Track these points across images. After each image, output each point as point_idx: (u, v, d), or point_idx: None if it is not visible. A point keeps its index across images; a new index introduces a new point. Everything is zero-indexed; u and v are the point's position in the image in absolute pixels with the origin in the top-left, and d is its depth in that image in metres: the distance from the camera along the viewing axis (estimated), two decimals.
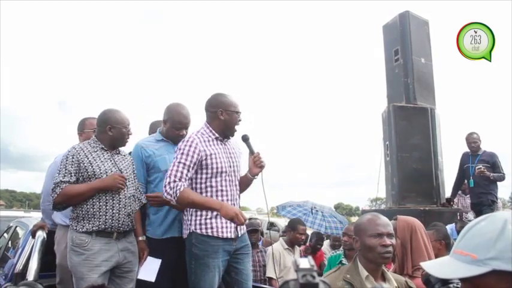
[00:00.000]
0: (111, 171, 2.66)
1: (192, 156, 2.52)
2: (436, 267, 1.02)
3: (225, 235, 2.55)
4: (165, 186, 2.48)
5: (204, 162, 2.56)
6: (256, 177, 2.64)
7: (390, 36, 6.53)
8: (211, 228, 2.54)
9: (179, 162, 2.51)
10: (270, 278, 4.22)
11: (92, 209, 2.57)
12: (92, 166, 2.61)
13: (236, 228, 2.60)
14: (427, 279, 1.27)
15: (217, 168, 2.58)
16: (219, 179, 2.59)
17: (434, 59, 6.49)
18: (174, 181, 2.46)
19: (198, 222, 2.56)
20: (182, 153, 2.53)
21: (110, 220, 2.60)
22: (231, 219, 2.41)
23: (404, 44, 6.24)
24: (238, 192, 2.72)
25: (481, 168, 5.53)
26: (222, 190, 2.60)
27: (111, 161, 2.71)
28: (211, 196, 2.57)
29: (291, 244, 4.51)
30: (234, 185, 2.66)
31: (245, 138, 2.71)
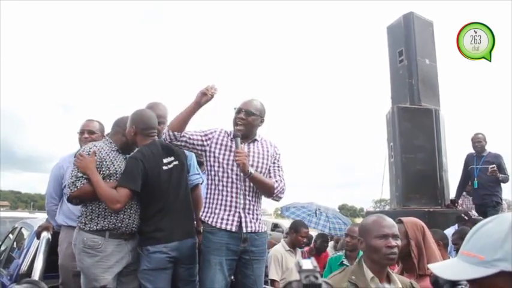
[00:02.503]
0: None
1: (206, 130, 2.74)
2: (444, 268, 1.02)
3: (223, 227, 2.59)
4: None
5: (214, 154, 2.68)
6: (246, 176, 2.61)
7: (394, 37, 6.52)
8: (212, 217, 2.63)
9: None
10: (273, 280, 4.20)
11: None
12: (113, 165, 2.66)
13: (240, 223, 2.62)
14: (436, 281, 1.27)
15: (223, 161, 2.66)
16: (226, 172, 2.65)
17: (439, 60, 6.49)
18: None
19: (205, 210, 2.70)
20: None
21: (127, 219, 2.62)
22: (203, 94, 2.55)
23: (408, 45, 6.24)
24: (250, 189, 2.70)
25: (494, 167, 5.49)
26: (227, 183, 2.65)
27: (124, 164, 2.75)
28: (218, 186, 2.67)
29: (292, 246, 4.46)
30: (243, 180, 2.66)
31: (234, 135, 2.68)
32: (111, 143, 2.76)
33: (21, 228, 4.46)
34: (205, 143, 2.70)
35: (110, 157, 2.67)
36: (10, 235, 4.78)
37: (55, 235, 3.27)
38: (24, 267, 3.32)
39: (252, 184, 2.69)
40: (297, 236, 4.45)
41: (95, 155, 2.61)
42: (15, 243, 4.49)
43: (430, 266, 1.07)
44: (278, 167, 2.83)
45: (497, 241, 0.89)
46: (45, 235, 3.28)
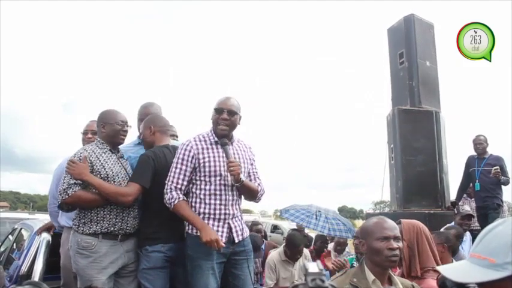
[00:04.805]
0: (121, 174, 2.68)
1: (188, 161, 2.59)
2: (453, 271, 1.01)
3: None
4: (164, 194, 2.56)
5: (199, 165, 2.59)
6: (238, 184, 2.58)
7: (395, 39, 6.53)
8: None
9: (175, 168, 2.59)
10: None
11: (102, 212, 2.58)
12: (104, 169, 2.61)
13: (230, 233, 2.60)
14: (443, 283, 1.25)
15: (209, 172, 2.59)
16: (213, 182, 2.59)
17: (439, 62, 6.50)
18: (171, 190, 2.56)
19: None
20: (178, 158, 2.61)
21: (120, 223, 2.61)
22: (206, 243, 2.42)
23: (409, 47, 6.24)
24: (236, 197, 2.66)
25: (497, 169, 5.49)
26: (215, 194, 2.59)
27: (118, 164, 2.72)
28: (205, 199, 2.58)
29: (289, 257, 4.38)
30: (230, 189, 2.62)
31: (222, 143, 2.62)
32: (102, 143, 2.71)
33: (21, 229, 4.46)
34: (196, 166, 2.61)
35: (100, 160, 2.62)
36: (10, 236, 4.77)
37: (57, 236, 3.27)
38: (24, 268, 3.30)
39: (237, 192, 2.66)
40: (290, 251, 4.34)
41: (86, 160, 2.56)
42: (14, 244, 4.48)
43: (438, 267, 1.06)
44: (255, 168, 2.82)
45: (509, 244, 0.88)
46: (46, 236, 3.27)
